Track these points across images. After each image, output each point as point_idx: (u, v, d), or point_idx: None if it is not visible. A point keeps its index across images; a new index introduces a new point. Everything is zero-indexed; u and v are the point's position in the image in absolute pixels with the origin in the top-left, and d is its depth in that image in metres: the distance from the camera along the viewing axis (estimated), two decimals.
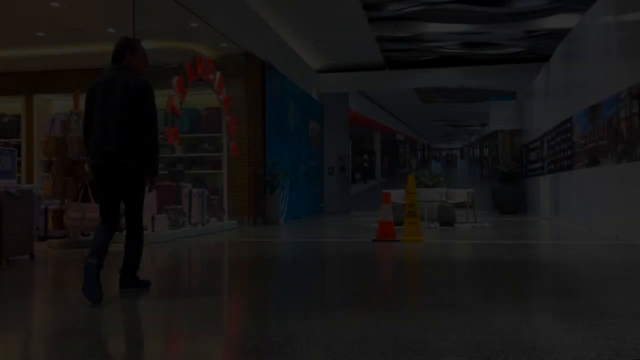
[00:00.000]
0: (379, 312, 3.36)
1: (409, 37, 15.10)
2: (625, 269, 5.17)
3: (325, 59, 17.50)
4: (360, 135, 19.15)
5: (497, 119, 17.85)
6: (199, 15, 9.91)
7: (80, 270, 3.84)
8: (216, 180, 11.46)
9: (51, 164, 7.94)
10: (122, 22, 8.57)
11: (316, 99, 18.49)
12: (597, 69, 9.24)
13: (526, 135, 16.64)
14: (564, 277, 4.82)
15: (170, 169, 10.38)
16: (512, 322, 3.03)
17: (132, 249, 3.97)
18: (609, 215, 8.44)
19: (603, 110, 8.72)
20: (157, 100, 3.93)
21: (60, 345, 2.74)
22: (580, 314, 3.22)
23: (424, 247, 7.39)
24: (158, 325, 3.26)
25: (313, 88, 18.13)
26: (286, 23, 13.45)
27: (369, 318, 3.20)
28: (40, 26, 9.72)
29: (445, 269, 5.38)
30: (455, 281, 4.64)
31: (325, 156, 19.39)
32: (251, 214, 12.04)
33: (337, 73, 18.76)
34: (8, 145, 10.89)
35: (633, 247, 6.85)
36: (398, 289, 4.34)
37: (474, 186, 16.09)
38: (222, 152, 11.40)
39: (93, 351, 2.61)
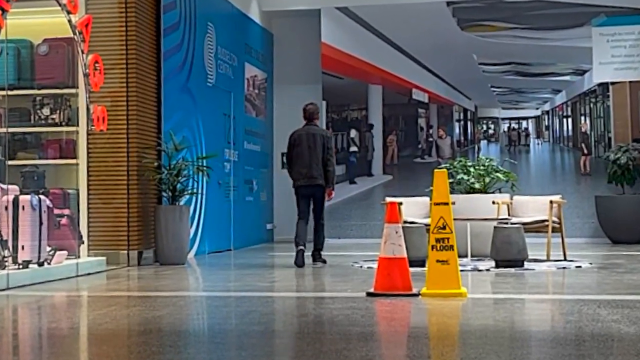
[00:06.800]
0: None
1: None
2: None
3: None
4: (344, 94, 19.20)
5: (605, 61, 17.96)
6: None
7: None
8: (66, 181, 11.44)
9: None
10: None
11: (259, 23, 18.45)
12: None
13: None
14: None
15: None
16: None
17: (320, 236, 12.33)
18: None
19: None
20: None
21: None
22: None
23: (465, 308, 7.38)
24: None
25: (253, 2, 18.10)
26: None
27: None
28: None
29: (507, 352, 5.38)
30: None
31: (278, 133, 19.30)
32: (134, 245, 12.05)
33: None
34: None
35: None
36: None
37: (561, 189, 16.12)
38: (76, 125, 11.36)
39: None
